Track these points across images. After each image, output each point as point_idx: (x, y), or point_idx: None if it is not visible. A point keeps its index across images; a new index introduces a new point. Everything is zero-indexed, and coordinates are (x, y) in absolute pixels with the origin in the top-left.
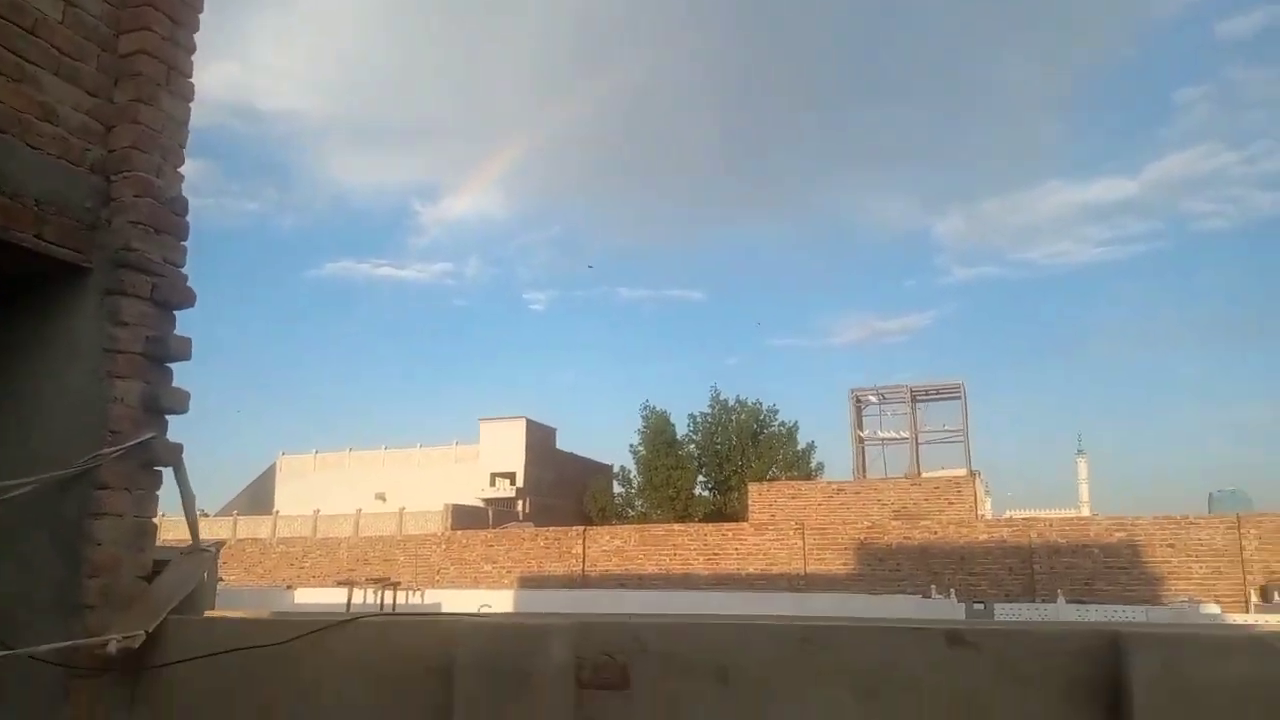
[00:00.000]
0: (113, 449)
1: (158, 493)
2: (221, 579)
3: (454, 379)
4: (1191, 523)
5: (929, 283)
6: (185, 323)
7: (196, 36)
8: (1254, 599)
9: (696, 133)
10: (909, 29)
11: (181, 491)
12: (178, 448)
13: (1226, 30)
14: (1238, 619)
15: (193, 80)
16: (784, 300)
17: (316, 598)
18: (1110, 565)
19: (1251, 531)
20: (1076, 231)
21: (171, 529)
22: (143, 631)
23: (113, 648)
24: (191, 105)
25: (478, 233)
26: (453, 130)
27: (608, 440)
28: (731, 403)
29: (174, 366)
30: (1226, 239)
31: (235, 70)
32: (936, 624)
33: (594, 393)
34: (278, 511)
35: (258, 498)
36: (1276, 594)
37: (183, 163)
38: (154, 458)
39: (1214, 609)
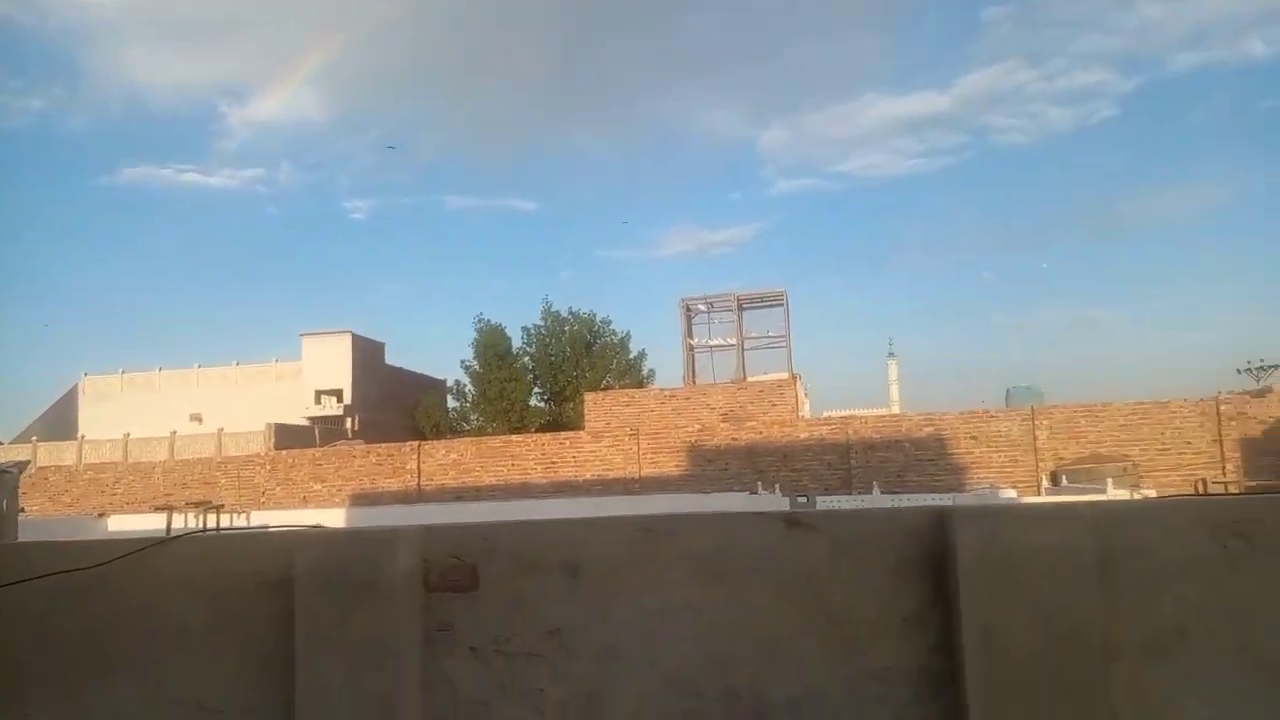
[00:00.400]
0: None
1: None
2: (23, 510)
3: (272, 293)
4: (992, 416)
5: (755, 195)
6: None
7: None
8: (1045, 483)
9: (524, 33)
10: None
11: None
12: None
13: None
14: (1030, 500)
15: None
16: (615, 211)
17: (133, 524)
18: (920, 458)
19: (1043, 423)
20: (891, 144)
21: None
22: None
23: None
24: None
25: (291, 136)
26: (261, 24)
27: (439, 355)
28: (564, 314)
29: None
30: (1024, 152)
31: None
32: (775, 511)
33: (424, 306)
34: (83, 436)
35: (59, 422)
36: (1064, 478)
37: None
38: None
39: (1011, 493)
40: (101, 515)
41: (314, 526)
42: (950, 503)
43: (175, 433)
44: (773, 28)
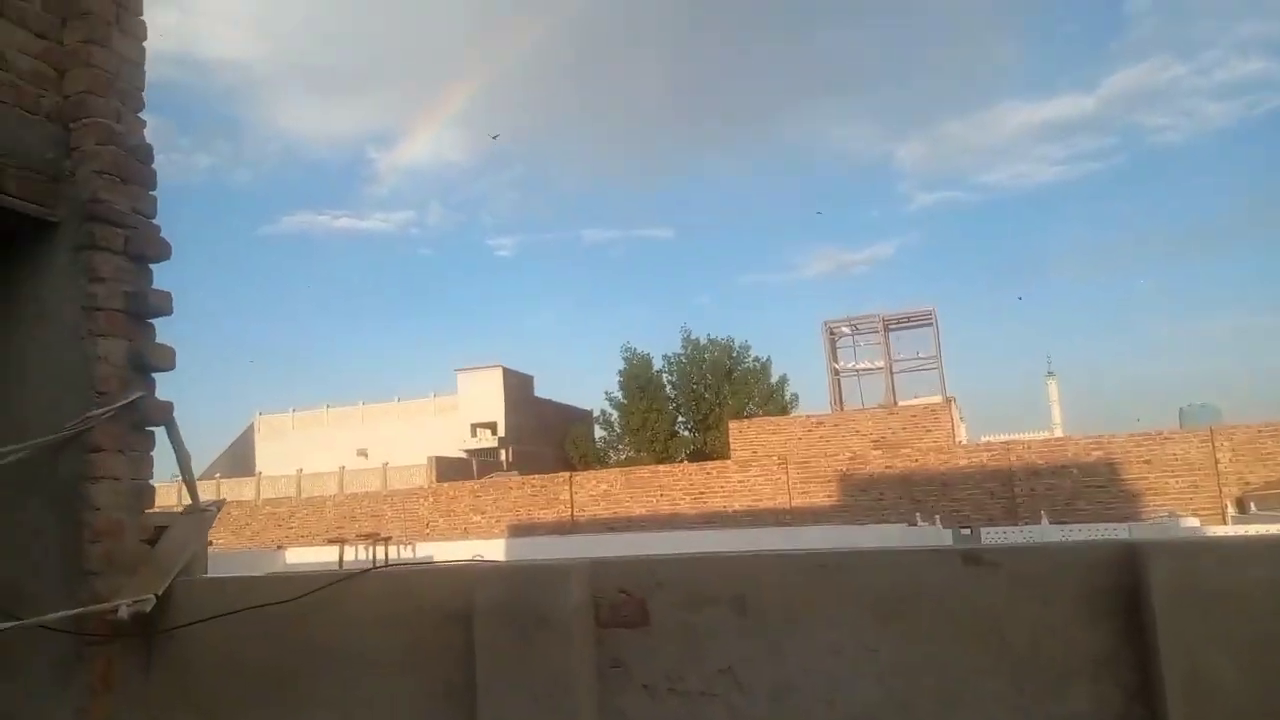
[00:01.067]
0: (102, 410)
1: (152, 454)
2: (211, 542)
3: (427, 329)
4: (1166, 438)
5: (893, 211)
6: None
7: None
8: (1230, 511)
9: (652, 66)
10: None
11: (175, 451)
12: (168, 406)
13: None
14: (1216, 531)
15: (144, 18)
16: (751, 235)
17: (308, 557)
18: (1089, 484)
19: (1224, 444)
20: (1035, 151)
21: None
22: (153, 595)
23: (124, 612)
24: (145, 45)
25: (437, 178)
26: (403, 72)
27: (585, 384)
28: (703, 341)
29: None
30: (1182, 152)
31: (174, 18)
32: (952, 547)
33: (568, 337)
34: (260, 473)
35: (238, 459)
36: (1252, 505)
37: (143, 107)
38: (145, 417)
39: (1193, 522)
40: (280, 548)
41: (478, 559)
42: (1126, 533)
43: (344, 468)
44: (902, 40)
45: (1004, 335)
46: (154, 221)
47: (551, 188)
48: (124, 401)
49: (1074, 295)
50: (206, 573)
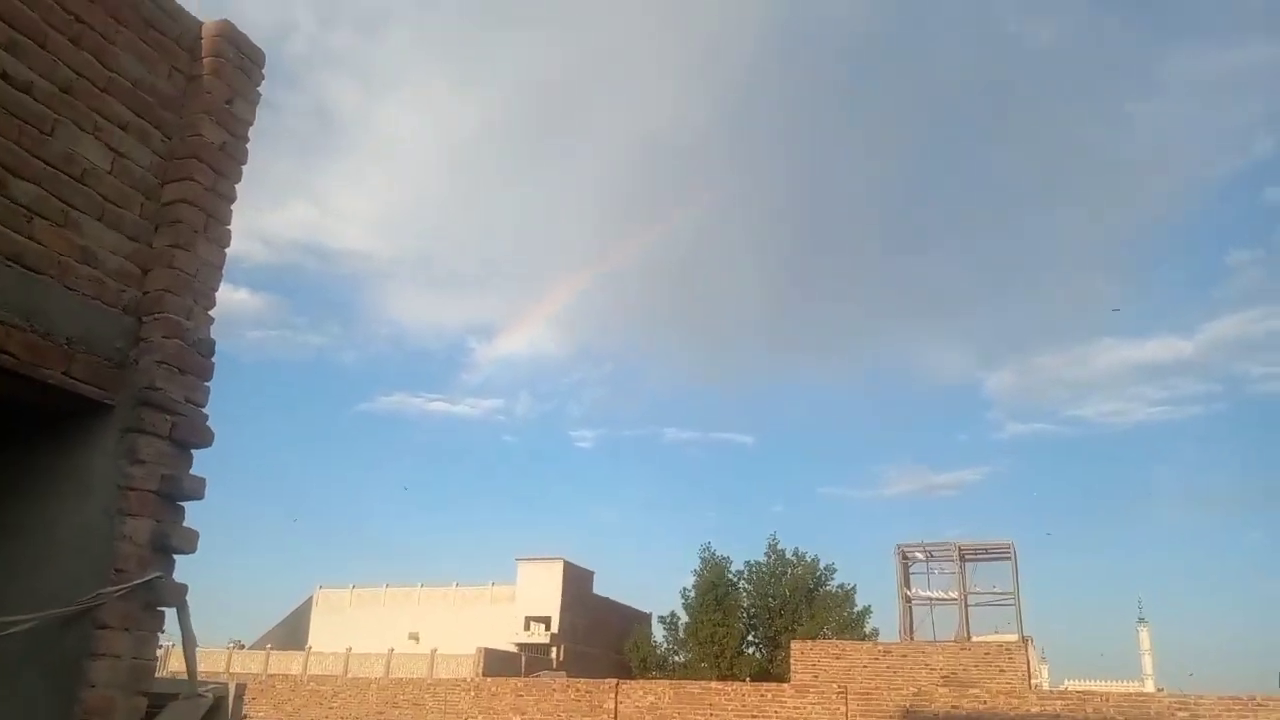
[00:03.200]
0: (116, 588)
1: (160, 634)
2: (246, 716)
3: (498, 516)
4: (1260, 704)
5: (981, 437)
6: (240, 450)
7: (238, 187)
8: None
9: (751, 276)
10: (966, 182)
11: (183, 634)
12: (182, 588)
13: (1277, 195)
14: None
15: (229, 228)
16: (834, 448)
17: None
18: None
19: None
20: (1131, 390)
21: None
22: None
23: None
24: (227, 251)
25: (530, 370)
26: (510, 272)
27: (645, 586)
28: (789, 554)
29: (225, 498)
30: None
31: (310, 212)
32: None
33: (636, 535)
34: (310, 648)
35: (294, 630)
36: None
37: (213, 305)
38: (158, 598)
39: None
40: None
41: None
42: None
43: (392, 650)
44: (1002, 269)
45: (1092, 575)
46: (203, 410)
47: (639, 387)
48: (139, 580)
49: (1168, 540)
50: None
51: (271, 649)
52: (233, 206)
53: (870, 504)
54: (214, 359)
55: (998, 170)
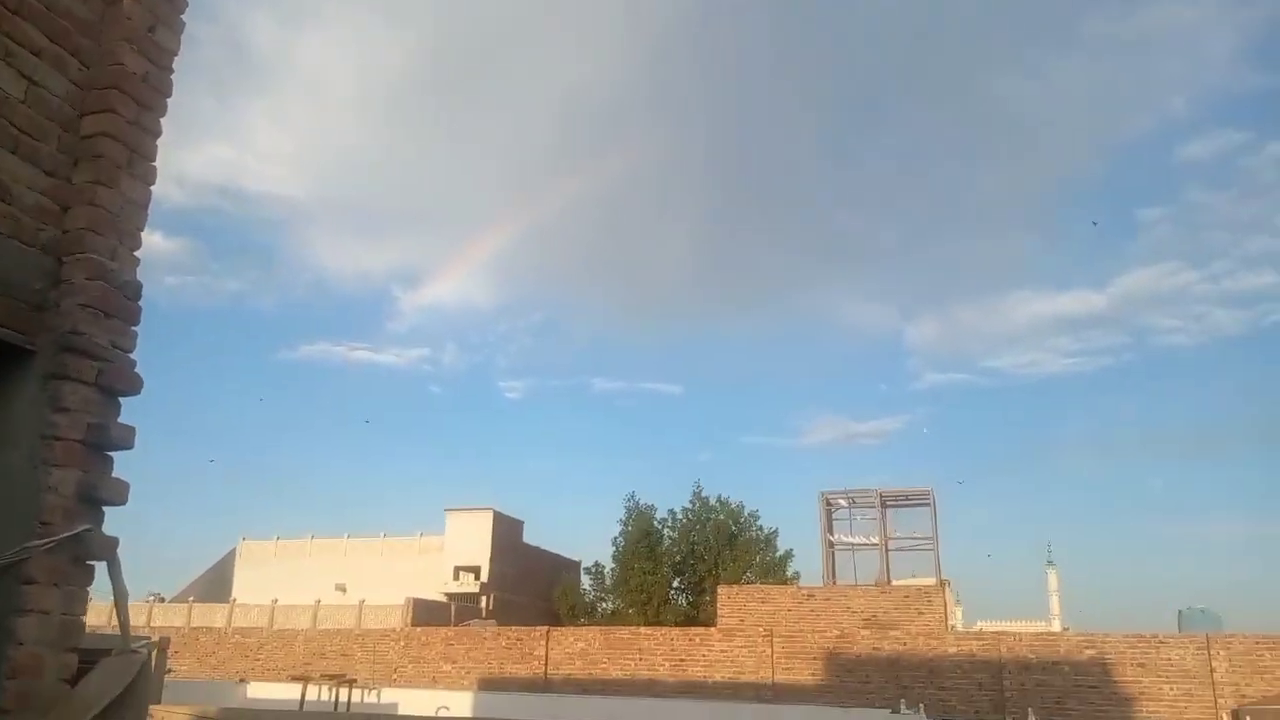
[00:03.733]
0: (42, 541)
1: (89, 589)
2: (171, 670)
3: (426, 466)
4: (1161, 641)
5: (901, 387)
6: (156, 399)
7: (163, 121)
8: None
9: (677, 227)
10: (887, 137)
11: (114, 587)
12: (113, 541)
13: (1187, 154)
14: None
15: (155, 164)
16: (759, 398)
17: (269, 693)
18: (1081, 684)
19: (1221, 652)
20: (1046, 342)
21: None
22: None
23: None
24: (152, 189)
25: (457, 320)
26: (436, 218)
27: (577, 534)
28: (712, 501)
29: (140, 449)
30: (1190, 354)
31: (227, 152)
32: None
33: (565, 484)
34: (234, 600)
35: (217, 583)
36: (1248, 719)
37: (139, 246)
38: (87, 552)
39: None
40: (242, 681)
41: (438, 711)
42: None
43: (319, 601)
44: (923, 223)
45: (1005, 520)
46: (131, 356)
47: (568, 337)
48: (67, 534)
49: (1078, 487)
50: (159, 702)
51: (194, 602)
52: (158, 142)
53: (793, 452)
54: (140, 302)
55: (919, 125)
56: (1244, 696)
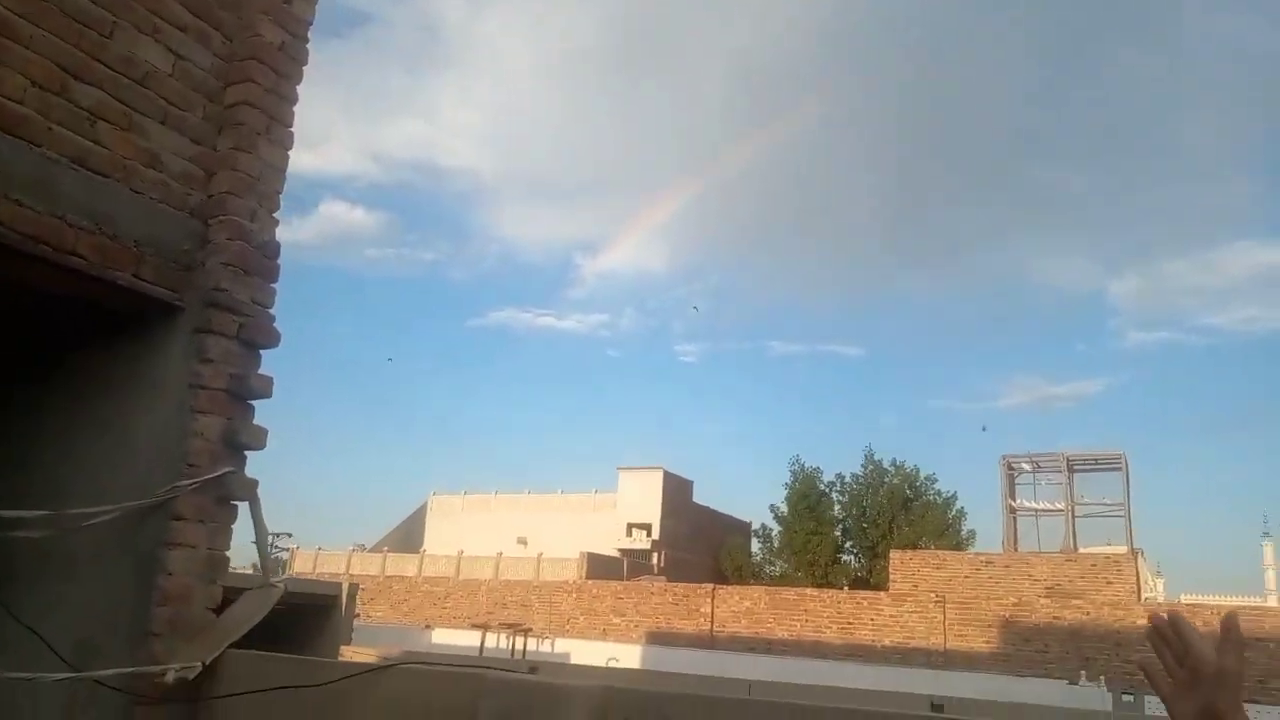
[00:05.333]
0: (189, 481)
1: (232, 526)
2: (360, 615)
3: (603, 428)
4: None
5: (1102, 346)
6: (360, 366)
7: (299, 88)
8: None
9: (859, 188)
10: (1083, 86)
11: (255, 527)
12: (253, 483)
13: None
14: None
15: (293, 130)
16: (946, 360)
17: (452, 639)
18: None
19: None
20: (1268, 296)
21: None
22: (199, 663)
23: (170, 677)
24: (290, 154)
25: (635, 285)
26: (616, 185)
27: (750, 496)
28: (886, 465)
29: (346, 412)
30: None
31: (420, 128)
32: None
33: (738, 448)
34: (424, 550)
35: (410, 535)
36: None
37: (278, 208)
38: (230, 492)
39: None
40: (428, 627)
41: (608, 663)
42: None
43: (501, 554)
44: (1129, 174)
45: (1218, 490)
46: (270, 311)
47: (745, 299)
48: (211, 475)
49: None
50: (349, 644)
51: (388, 551)
52: (294, 108)
53: (981, 416)
54: (279, 261)
55: (1127, 71)
56: None
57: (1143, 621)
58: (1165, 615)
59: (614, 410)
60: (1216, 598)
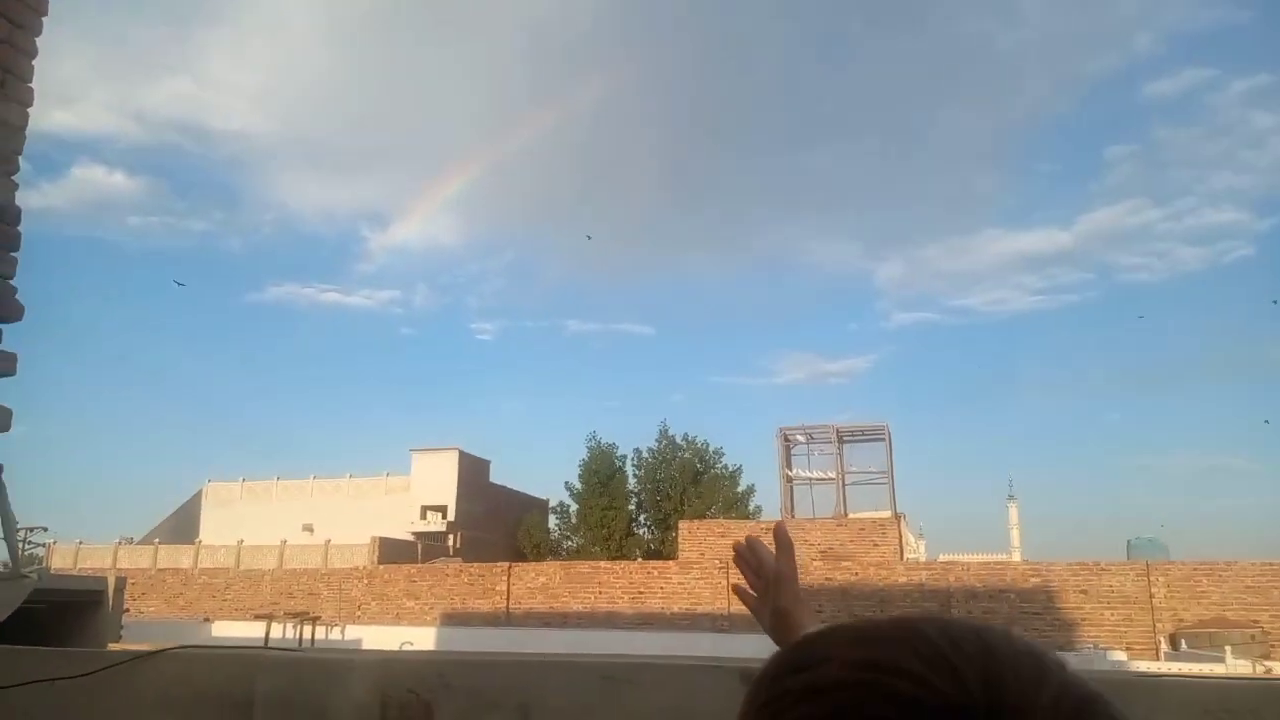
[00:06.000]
0: None
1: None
2: (129, 610)
3: (396, 410)
4: (1104, 569)
5: (871, 326)
6: (125, 342)
7: (38, 40)
8: (1164, 647)
9: (646, 167)
10: (849, 75)
11: (1, 516)
12: None
13: (1153, 91)
14: (1144, 666)
15: (32, 86)
16: (729, 338)
17: (234, 631)
18: (1026, 611)
19: (1160, 579)
20: (1013, 280)
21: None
22: None
23: None
24: (30, 111)
25: (427, 260)
26: (403, 156)
27: (548, 474)
28: (679, 440)
29: (108, 391)
30: (1152, 291)
31: (187, 86)
32: (732, 661)
33: (535, 426)
34: (200, 541)
35: (183, 525)
36: (1184, 642)
37: (17, 170)
38: None
39: (1120, 656)
40: (207, 620)
41: (402, 646)
42: None
43: (285, 541)
44: (888, 161)
45: (969, 456)
46: (11, 283)
47: (539, 277)
48: None
49: (1042, 423)
50: (119, 641)
51: (160, 543)
52: (34, 62)
53: (763, 391)
54: (19, 228)
55: (885, 63)
56: (1181, 620)
57: (902, 579)
58: (743, 541)
59: (408, 390)
60: (970, 555)
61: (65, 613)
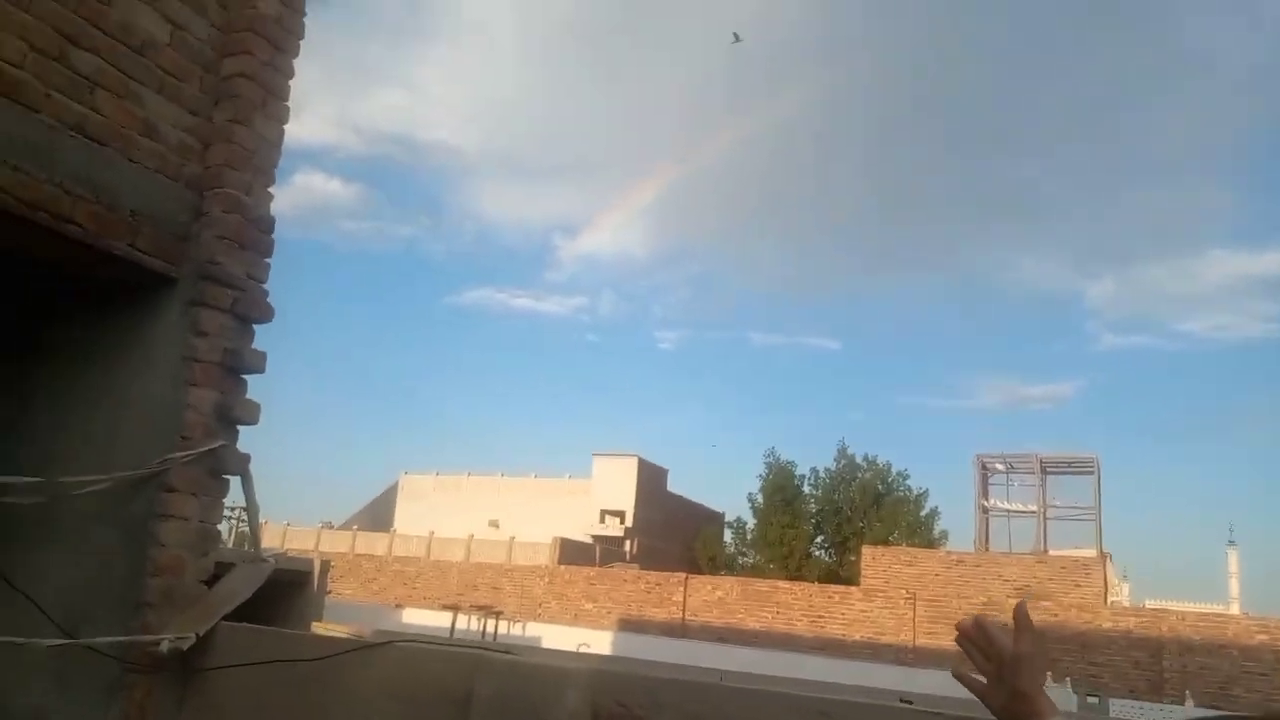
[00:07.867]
0: (183, 454)
1: (224, 499)
2: (331, 591)
3: (577, 412)
4: None
5: (1078, 349)
6: (334, 340)
7: (296, 62)
8: None
9: (842, 181)
10: (1063, 84)
11: (247, 501)
12: (245, 457)
13: None
14: None
15: (288, 104)
16: (920, 356)
17: (422, 619)
18: (1250, 670)
19: None
20: (1243, 305)
21: (296, 539)
22: (193, 634)
23: (164, 647)
24: (285, 128)
25: (615, 269)
26: (598, 167)
27: (722, 486)
28: (859, 460)
29: (317, 387)
30: None
31: (403, 101)
32: (951, 711)
33: (713, 436)
34: (395, 530)
35: (379, 514)
36: None
37: (273, 182)
38: (222, 465)
39: None
40: (399, 606)
41: (579, 648)
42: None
43: (473, 536)
44: (1105, 176)
45: (1186, 495)
46: (264, 286)
47: (726, 288)
48: (205, 449)
49: (1268, 463)
50: (320, 620)
51: (358, 530)
52: (290, 83)
53: (954, 414)
54: (273, 235)
55: (1100, 66)
56: None
57: (1107, 624)
58: (970, 620)
59: (591, 395)
60: (1181, 604)
61: (275, 590)
